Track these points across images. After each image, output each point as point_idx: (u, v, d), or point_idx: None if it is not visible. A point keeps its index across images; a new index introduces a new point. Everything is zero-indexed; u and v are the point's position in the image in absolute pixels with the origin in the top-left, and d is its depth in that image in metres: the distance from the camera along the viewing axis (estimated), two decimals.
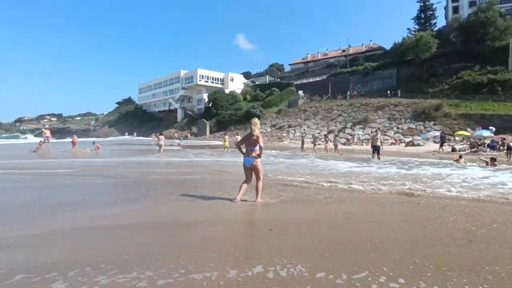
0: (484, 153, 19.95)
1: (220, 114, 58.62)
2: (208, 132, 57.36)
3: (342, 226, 4.26)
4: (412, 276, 2.64)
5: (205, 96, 67.12)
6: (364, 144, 32.05)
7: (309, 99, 53.28)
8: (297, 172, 10.20)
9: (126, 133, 71.92)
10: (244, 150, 5.89)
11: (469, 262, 2.95)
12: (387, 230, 4.03)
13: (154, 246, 3.41)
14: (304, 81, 63.01)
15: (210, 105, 63.09)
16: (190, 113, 69.81)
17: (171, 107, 75.92)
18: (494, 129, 25.64)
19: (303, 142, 25.75)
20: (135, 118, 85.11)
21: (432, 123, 33.71)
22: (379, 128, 29.55)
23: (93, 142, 24.01)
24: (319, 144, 26.32)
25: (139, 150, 25.85)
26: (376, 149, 15.13)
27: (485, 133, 24.10)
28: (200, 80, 68.85)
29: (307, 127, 43.67)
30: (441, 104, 34.25)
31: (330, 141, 26.32)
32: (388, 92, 43.50)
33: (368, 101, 42.25)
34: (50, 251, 3.20)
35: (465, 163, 13.60)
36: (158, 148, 19.62)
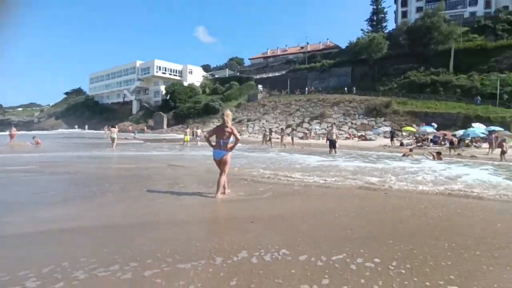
0: (428, 148, 21.60)
1: (179, 107, 56.82)
2: (165, 125, 55.35)
3: (320, 217, 4.41)
4: (385, 256, 2.98)
5: (163, 88, 64.53)
6: (321, 138, 33.13)
7: (268, 94, 53.73)
8: (268, 167, 10.08)
9: (76, 126, 66.77)
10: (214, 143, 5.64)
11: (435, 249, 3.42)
12: (362, 221, 4.23)
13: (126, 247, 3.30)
14: (264, 76, 63.36)
15: (167, 97, 60.80)
16: (146, 105, 66.78)
17: (126, 99, 71.90)
18: (436, 125, 27.97)
19: (265, 136, 25.17)
20: (85, 109, 79.14)
21: (382, 119, 35.82)
22: (334, 123, 30.66)
23: (33, 137, 21.31)
24: (277, 138, 26.29)
25: (91, 144, 24.07)
26: (332, 143, 15.57)
27: (429, 129, 26.18)
28: (157, 72, 66.00)
29: (266, 121, 44.06)
30: (390, 102, 36.56)
31: (288, 135, 26.68)
32: (346, 89, 45.29)
33: (325, 97, 43.70)
34: None
35: (412, 156, 14.57)
36: (111, 142, 18.31)
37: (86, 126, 64.44)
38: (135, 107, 68.91)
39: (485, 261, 2.93)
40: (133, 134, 39.97)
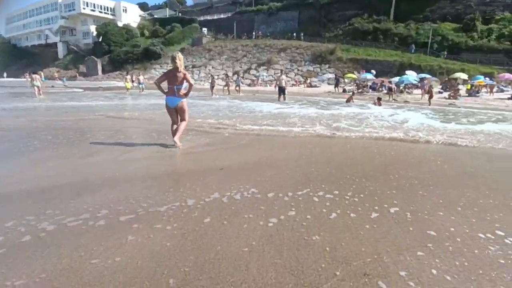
0: (368, 94, 23.16)
1: (114, 51, 51.21)
2: (100, 72, 50.09)
3: (286, 163, 4.55)
4: (343, 189, 3.37)
5: (93, 28, 56.85)
6: (268, 85, 33.30)
7: (214, 38, 50.88)
8: (226, 115, 9.84)
9: None
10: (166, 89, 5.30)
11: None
12: (324, 165, 4.50)
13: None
14: (208, 17, 59.22)
15: (100, 39, 54.11)
16: (75, 48, 58.85)
17: (49, 41, 62.15)
18: (374, 72, 29.73)
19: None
20: (1, 54, 67.09)
21: (327, 66, 36.84)
22: (282, 70, 30.71)
23: None
24: (221, 85, 25.12)
25: (13, 93, 20.95)
26: (281, 91, 15.71)
27: (369, 76, 27.80)
28: (84, 8, 57.28)
29: (212, 67, 42.44)
30: (335, 49, 37.41)
31: (233, 82, 25.82)
32: (294, 34, 44.73)
33: (272, 43, 42.94)
34: None
35: (353, 101, 15.61)
36: (34, 91, 16.01)
37: (5, 74, 55.31)
38: (61, 51, 60.36)
39: (424, 190, 3.47)
40: (61, 82, 35.64)
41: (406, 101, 17.65)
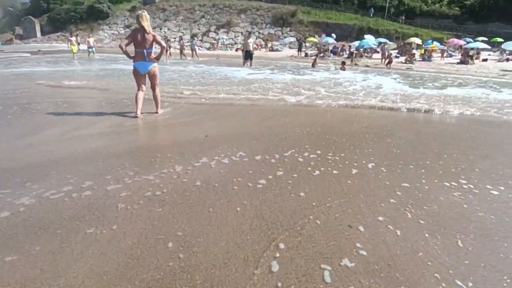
0: (329, 58, 23.43)
1: (54, 10, 45.61)
2: (39, 34, 44.64)
3: (271, 128, 4.53)
4: (324, 149, 3.55)
5: None
6: (229, 49, 32.23)
7: None
8: (200, 82, 9.31)
9: None
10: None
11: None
12: (308, 129, 4.55)
13: None
14: None
15: None
16: (12, 9, 51.38)
17: None
18: (335, 36, 29.91)
19: (182, 48, 21.88)
20: None
21: (288, 29, 36.30)
22: (250, 32, 29.46)
23: None
24: (177, 48, 23.27)
25: None
26: (248, 55, 14.96)
27: (330, 40, 27.91)
28: None
29: (168, 29, 39.79)
30: (296, 11, 36.75)
31: (187, 45, 24.23)
32: None
33: (231, 3, 40.92)
34: None
35: (318, 65, 15.78)
36: None
37: None
38: None
39: (398, 149, 3.77)
40: None
41: (367, 66, 18.21)
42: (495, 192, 2.61)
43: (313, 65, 15.93)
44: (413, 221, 2.13)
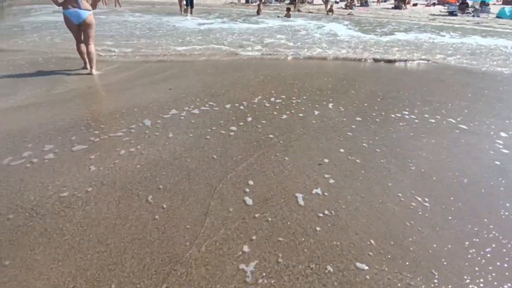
0: (271, 4, 22.77)
1: None
2: None
3: (238, 79, 4.41)
4: (287, 95, 3.72)
5: None
6: None
7: None
8: (146, 35, 8.16)
9: None
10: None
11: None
12: (272, 79, 4.63)
13: None
14: None
15: None
16: None
17: None
18: None
19: None
20: None
21: None
22: None
23: None
24: None
25: None
26: (189, 1, 13.66)
27: None
28: None
29: None
30: None
31: None
32: None
33: None
34: None
35: (262, 12, 15.36)
36: None
37: None
38: None
39: (352, 88, 4.13)
40: None
41: (310, 12, 18.18)
42: (432, 120, 3.09)
43: (258, 13, 15.45)
44: (370, 150, 2.47)
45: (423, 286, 1.30)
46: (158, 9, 16.49)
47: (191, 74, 4.67)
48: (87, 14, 4.22)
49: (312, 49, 6.88)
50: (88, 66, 4.52)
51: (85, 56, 4.42)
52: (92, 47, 4.41)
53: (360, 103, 3.51)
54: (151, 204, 1.76)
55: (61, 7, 4.14)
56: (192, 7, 13.83)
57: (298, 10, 18.80)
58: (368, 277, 1.34)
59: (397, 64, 5.92)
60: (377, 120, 3.05)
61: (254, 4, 22.59)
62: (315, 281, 1.31)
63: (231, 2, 24.04)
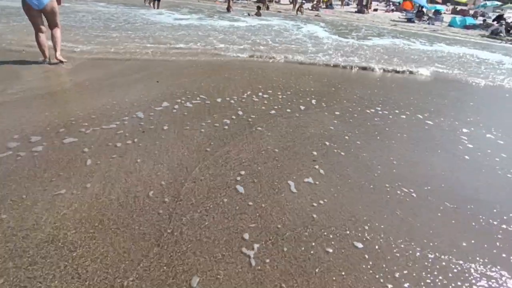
0: (239, 2, 22.76)
1: None
2: None
3: (222, 82, 4.61)
4: (272, 91, 3.87)
5: None
6: None
7: None
8: (122, 27, 7.72)
9: None
10: None
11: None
12: (260, 78, 4.90)
13: None
14: None
15: None
16: None
17: None
18: None
19: None
20: None
21: None
22: None
23: None
24: None
25: None
26: None
27: None
28: None
29: None
30: None
31: None
32: None
33: None
34: None
35: (232, 9, 15.32)
36: None
37: None
38: None
39: (335, 88, 4.33)
40: None
41: (279, 11, 18.48)
42: (404, 114, 3.37)
43: (228, 9, 15.38)
44: (352, 127, 2.67)
45: (417, 254, 1.51)
46: (123, 1, 15.72)
47: (177, 73, 4.55)
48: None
49: (303, 53, 6.55)
50: (53, 51, 4.19)
51: (45, 48, 4.10)
52: (58, 31, 4.16)
53: (342, 100, 3.72)
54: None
55: None
56: (159, 0, 13.42)
57: (267, 8, 19.03)
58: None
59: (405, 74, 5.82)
60: (355, 116, 3.26)
61: (220, 0, 22.43)
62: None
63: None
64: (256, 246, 1.45)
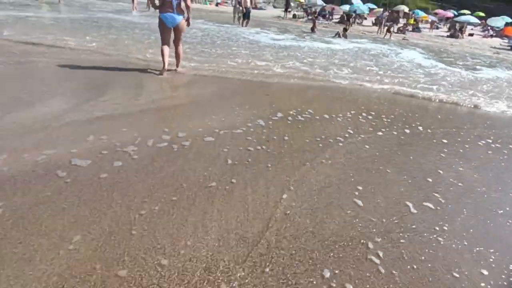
0: (319, 22, 22.22)
1: None
2: None
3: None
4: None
5: None
6: (208, 3, 29.46)
7: None
8: (224, 45, 8.07)
9: None
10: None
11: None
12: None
13: None
14: None
15: None
16: None
17: None
18: None
19: None
20: None
21: None
22: None
23: None
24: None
25: None
26: (246, 13, 13.15)
27: (318, 1, 26.25)
28: None
29: None
30: None
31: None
32: None
33: None
34: None
35: (316, 31, 14.79)
36: None
37: None
38: None
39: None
40: None
41: (363, 33, 17.53)
42: None
43: (312, 29, 14.92)
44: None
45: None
46: (211, 17, 16.18)
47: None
48: (182, 18, 4.48)
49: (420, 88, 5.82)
50: (175, 65, 4.91)
51: (166, 58, 4.58)
52: (180, 48, 4.79)
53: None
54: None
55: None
56: (248, 18, 13.43)
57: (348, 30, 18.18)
58: None
59: None
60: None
61: (301, 20, 22.17)
62: None
63: (278, 16, 23.68)
64: None
